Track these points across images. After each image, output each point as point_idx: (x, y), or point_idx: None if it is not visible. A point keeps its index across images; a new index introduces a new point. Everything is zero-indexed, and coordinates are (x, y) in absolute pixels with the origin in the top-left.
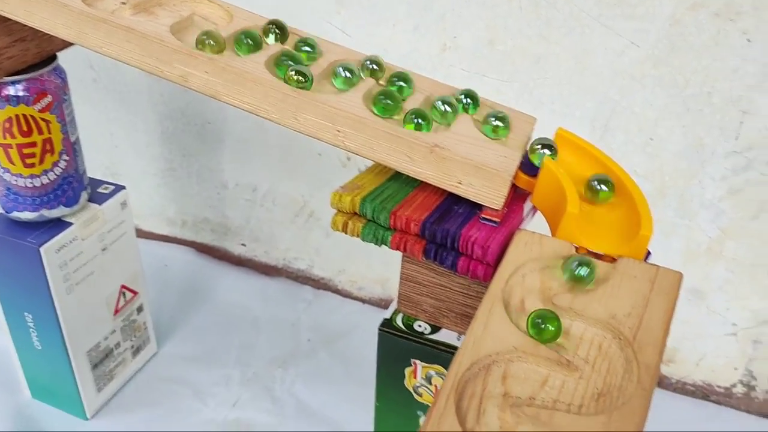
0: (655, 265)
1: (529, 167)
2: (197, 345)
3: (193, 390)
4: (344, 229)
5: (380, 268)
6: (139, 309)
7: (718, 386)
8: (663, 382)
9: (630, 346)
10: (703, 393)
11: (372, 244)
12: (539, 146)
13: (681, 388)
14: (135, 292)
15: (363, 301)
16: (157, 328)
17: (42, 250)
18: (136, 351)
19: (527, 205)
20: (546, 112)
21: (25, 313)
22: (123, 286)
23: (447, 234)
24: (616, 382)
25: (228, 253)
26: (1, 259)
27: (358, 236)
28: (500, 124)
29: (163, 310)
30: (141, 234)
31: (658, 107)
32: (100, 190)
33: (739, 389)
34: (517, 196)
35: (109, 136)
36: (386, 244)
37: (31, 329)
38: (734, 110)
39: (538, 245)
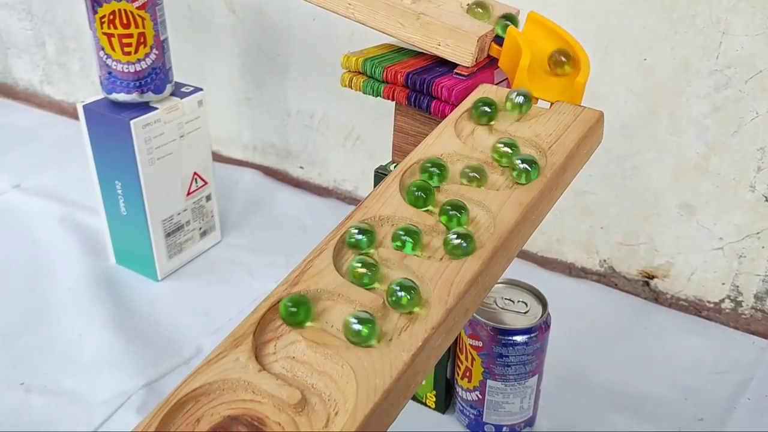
0: (583, 106)
1: (499, 39)
2: (254, 240)
3: (245, 269)
4: (350, 84)
5: None
6: (208, 198)
7: (708, 301)
8: (660, 298)
9: (545, 154)
10: (695, 308)
11: None
12: (502, 18)
13: (675, 304)
14: (205, 182)
15: None
16: (223, 225)
17: (132, 123)
18: (203, 234)
19: (498, 76)
20: None
21: (116, 182)
22: (195, 173)
23: (424, 82)
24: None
25: (289, 175)
26: (100, 133)
27: (359, 89)
28: (479, 10)
29: (230, 215)
30: (220, 158)
31: (650, 30)
32: (182, 89)
33: (727, 305)
34: (490, 66)
35: (200, 70)
36: (380, 95)
37: (119, 196)
38: (715, 31)
39: (494, 93)
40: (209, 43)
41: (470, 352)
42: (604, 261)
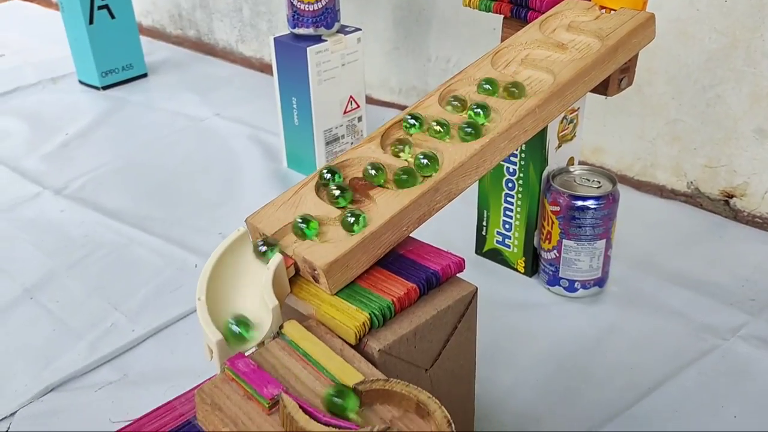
0: (640, 11)
1: None
2: None
3: None
4: (469, 4)
5: None
6: (359, 119)
7: None
8: (738, 216)
9: (603, 40)
10: None
11: None
12: None
13: (752, 221)
14: (358, 105)
15: None
16: None
17: (308, 50)
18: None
19: None
20: None
21: (293, 98)
22: (351, 97)
23: None
24: (593, 50)
25: None
26: (285, 59)
27: (476, 7)
28: None
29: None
30: (371, 101)
31: None
32: (346, 29)
33: None
34: None
35: (360, 24)
36: (491, 10)
37: (294, 109)
38: None
39: (575, 2)
40: (369, 1)
41: (551, 217)
42: (691, 183)
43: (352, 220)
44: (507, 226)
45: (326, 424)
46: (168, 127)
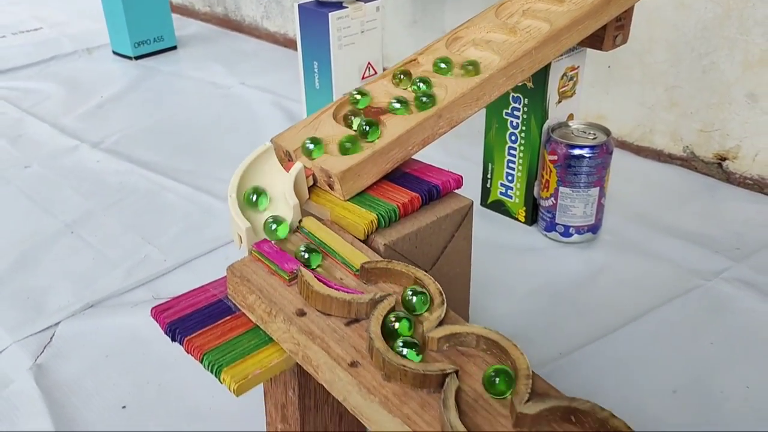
0: None
1: None
2: None
3: None
4: None
5: None
6: None
7: None
8: (730, 178)
9: None
10: (759, 186)
11: None
12: None
13: (743, 183)
14: (376, 71)
15: None
16: None
17: (330, 15)
18: None
19: None
20: None
21: (314, 62)
22: (369, 63)
23: None
24: (588, 3)
25: None
26: (308, 24)
27: None
28: None
29: None
30: None
31: None
32: None
33: None
34: None
35: None
36: None
37: (315, 73)
38: None
39: None
40: None
41: (549, 166)
42: (687, 147)
43: (367, 128)
44: (510, 177)
45: (336, 290)
46: (196, 93)
